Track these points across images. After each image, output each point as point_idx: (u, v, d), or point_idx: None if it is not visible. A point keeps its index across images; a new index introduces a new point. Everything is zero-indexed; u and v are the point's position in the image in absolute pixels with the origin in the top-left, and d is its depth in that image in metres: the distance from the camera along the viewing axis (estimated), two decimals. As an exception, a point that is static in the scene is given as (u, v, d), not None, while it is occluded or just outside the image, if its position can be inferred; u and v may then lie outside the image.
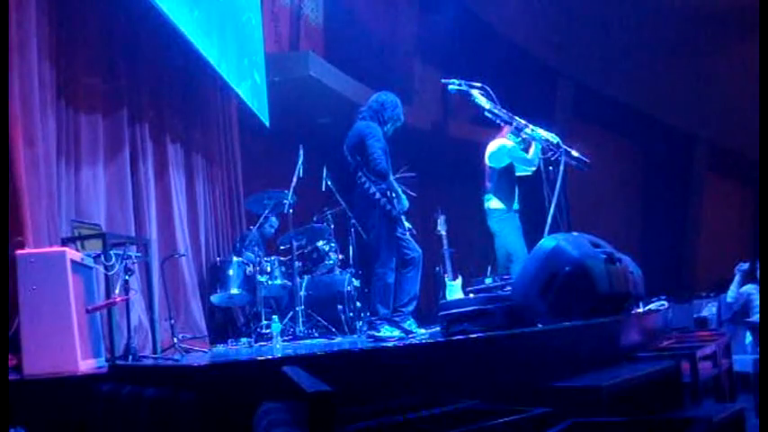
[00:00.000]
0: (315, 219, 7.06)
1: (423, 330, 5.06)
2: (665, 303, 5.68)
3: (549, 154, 5.18)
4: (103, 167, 5.27)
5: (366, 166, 5.02)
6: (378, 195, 4.97)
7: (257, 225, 6.80)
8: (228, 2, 7.05)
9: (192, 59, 6.17)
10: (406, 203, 5.10)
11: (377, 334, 4.85)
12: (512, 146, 5.72)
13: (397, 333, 4.85)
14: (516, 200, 5.80)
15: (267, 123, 7.71)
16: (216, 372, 2.77)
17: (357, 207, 5.24)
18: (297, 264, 6.35)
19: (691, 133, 14.15)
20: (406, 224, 5.11)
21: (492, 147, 5.78)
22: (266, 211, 6.77)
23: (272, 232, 7.10)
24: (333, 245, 6.92)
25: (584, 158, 5.17)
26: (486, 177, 5.81)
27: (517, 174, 5.84)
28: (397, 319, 4.94)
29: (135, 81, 5.75)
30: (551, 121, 8.26)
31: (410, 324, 4.97)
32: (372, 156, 4.98)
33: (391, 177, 5.06)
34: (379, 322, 4.92)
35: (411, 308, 5.05)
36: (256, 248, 6.70)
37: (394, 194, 5.01)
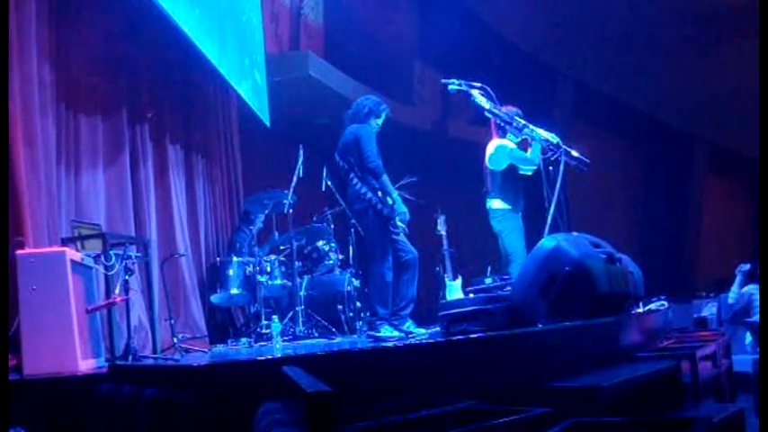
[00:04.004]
0: (315, 219, 7.06)
1: (423, 330, 5.05)
2: (665, 303, 5.67)
3: (549, 154, 5.17)
4: (103, 167, 5.27)
5: (358, 167, 5.04)
6: (369, 195, 4.98)
7: (256, 225, 6.80)
8: (229, 2, 7.05)
9: (193, 59, 6.16)
10: (406, 214, 5.08)
11: (377, 334, 4.85)
12: (512, 147, 5.63)
13: (396, 333, 4.86)
14: (522, 200, 5.73)
15: (267, 123, 7.71)
16: (216, 372, 2.77)
17: (351, 208, 5.27)
18: (297, 264, 6.35)
19: (691, 133, 14.16)
20: (400, 224, 5.09)
21: (490, 148, 5.67)
22: (266, 211, 6.77)
23: (261, 227, 7.06)
24: (333, 245, 6.91)
25: (584, 158, 5.16)
26: (488, 178, 5.74)
27: (520, 172, 5.78)
28: (395, 323, 4.95)
29: (135, 82, 5.75)
30: (551, 121, 8.26)
31: (409, 326, 4.97)
32: (366, 155, 5.01)
33: (385, 177, 5.06)
34: (378, 322, 4.93)
35: (408, 311, 5.05)
36: (256, 249, 6.70)
37: (388, 196, 5.00)
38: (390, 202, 5.01)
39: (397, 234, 5.06)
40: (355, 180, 5.05)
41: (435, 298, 7.14)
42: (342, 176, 5.17)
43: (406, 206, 5.19)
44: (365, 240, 5.22)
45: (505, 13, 11.16)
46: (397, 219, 5.03)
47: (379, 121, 5.33)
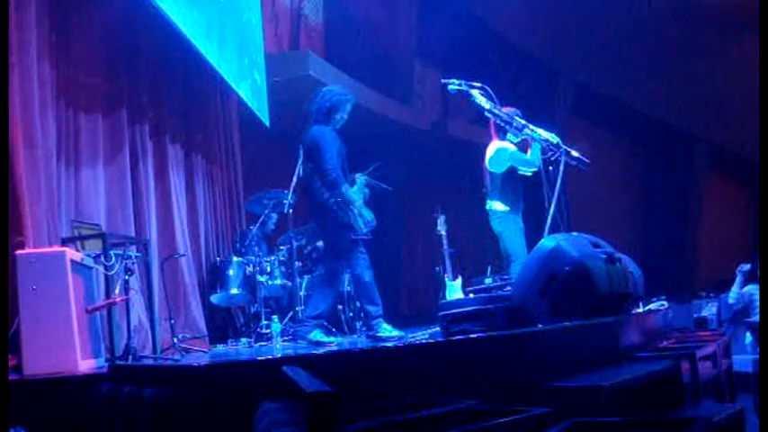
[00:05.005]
0: (315, 219, 7.05)
1: (332, 338, 4.98)
2: (665, 303, 5.67)
3: (549, 154, 5.15)
4: (103, 167, 5.27)
5: (318, 175, 4.95)
6: (331, 201, 4.90)
7: (258, 224, 6.80)
8: (228, 2, 7.04)
9: (192, 59, 6.16)
10: (372, 221, 4.98)
11: (376, 334, 4.85)
12: (512, 150, 5.61)
13: (396, 333, 4.85)
14: (521, 201, 5.72)
15: (267, 123, 7.71)
16: (216, 372, 2.77)
17: (312, 209, 5.19)
18: (297, 264, 6.35)
19: (691, 133, 14.17)
20: (363, 227, 4.95)
21: (490, 150, 5.64)
22: (266, 211, 6.78)
23: (272, 228, 7.10)
24: (333, 245, 6.90)
25: (583, 158, 5.15)
26: (488, 179, 5.72)
27: (519, 173, 5.78)
28: (301, 329, 4.91)
29: (135, 81, 5.75)
30: (551, 121, 8.26)
31: (315, 335, 4.87)
32: (324, 165, 4.88)
33: (344, 187, 4.93)
34: (374, 322, 4.91)
35: (316, 322, 4.95)
36: (256, 248, 6.70)
37: (351, 205, 4.90)
38: (355, 210, 4.91)
39: (353, 246, 4.99)
40: (318, 184, 4.96)
41: (435, 298, 7.14)
42: (307, 172, 5.11)
43: (374, 192, 5.15)
44: (330, 247, 5.20)
45: (505, 14, 11.16)
46: (360, 223, 4.93)
47: (345, 114, 5.19)
